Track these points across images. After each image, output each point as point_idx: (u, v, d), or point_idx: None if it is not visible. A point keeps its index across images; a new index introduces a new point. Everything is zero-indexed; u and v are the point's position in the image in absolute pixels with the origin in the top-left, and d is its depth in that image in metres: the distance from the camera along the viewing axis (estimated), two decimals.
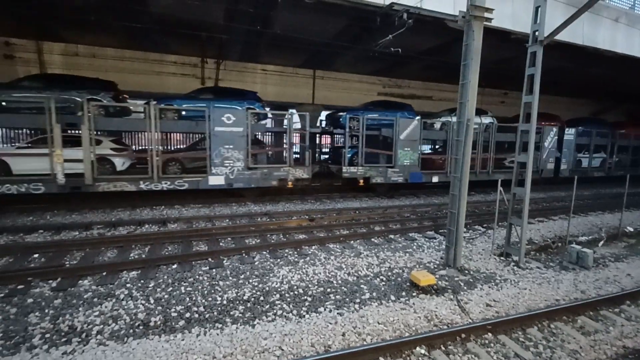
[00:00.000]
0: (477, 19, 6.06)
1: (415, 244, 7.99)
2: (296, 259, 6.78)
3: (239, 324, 4.49)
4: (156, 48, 13.89)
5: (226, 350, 3.87)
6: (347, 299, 5.24)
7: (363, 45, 11.80)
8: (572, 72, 16.05)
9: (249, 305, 4.99)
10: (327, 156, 18.66)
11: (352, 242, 7.96)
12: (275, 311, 4.84)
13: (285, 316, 4.72)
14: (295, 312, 4.84)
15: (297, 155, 13.59)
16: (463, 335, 4.31)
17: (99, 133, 9.99)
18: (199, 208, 10.75)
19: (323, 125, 16.44)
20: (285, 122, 12.27)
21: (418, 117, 13.34)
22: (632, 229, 9.77)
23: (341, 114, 13.83)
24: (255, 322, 4.53)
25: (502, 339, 4.36)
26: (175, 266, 6.28)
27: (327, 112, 15.45)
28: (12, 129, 13.51)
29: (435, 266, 6.66)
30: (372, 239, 8.23)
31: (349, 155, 12.39)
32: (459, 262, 6.59)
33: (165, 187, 9.94)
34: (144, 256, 6.74)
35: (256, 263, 6.54)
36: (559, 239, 8.46)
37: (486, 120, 14.90)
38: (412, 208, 11.60)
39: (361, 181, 12.39)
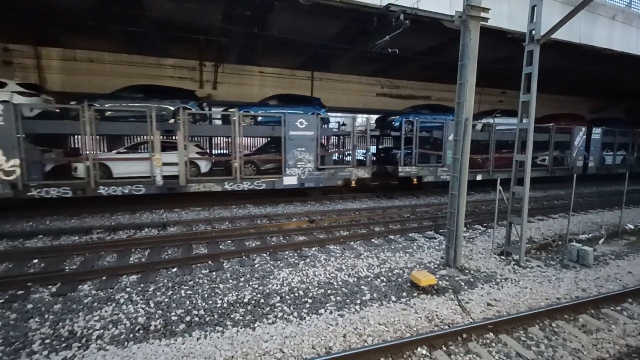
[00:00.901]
0: (473, 18, 6.08)
1: (415, 244, 7.98)
2: (296, 261, 6.77)
3: (239, 326, 4.48)
4: (154, 52, 13.92)
5: (227, 354, 3.86)
6: (348, 300, 5.23)
7: (360, 47, 11.84)
8: (570, 71, 16.10)
9: (249, 307, 4.97)
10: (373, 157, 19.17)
11: (352, 243, 7.95)
12: (275, 313, 4.83)
13: (286, 318, 4.71)
14: (295, 314, 4.82)
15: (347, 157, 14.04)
16: (464, 335, 4.30)
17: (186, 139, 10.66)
18: (198, 211, 10.74)
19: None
20: (348, 126, 13.12)
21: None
22: (632, 227, 9.77)
23: (393, 117, 14.48)
24: (255, 325, 4.51)
25: (503, 339, 4.35)
26: (175, 269, 6.26)
27: (377, 116, 15.90)
28: (114, 136, 14.26)
29: (436, 266, 6.65)
30: (372, 240, 8.22)
31: (402, 154, 13.27)
32: (459, 261, 6.58)
33: (246, 187, 10.81)
34: (143, 260, 6.72)
35: (256, 265, 6.52)
36: (559, 237, 8.45)
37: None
38: (411, 208, 11.60)
39: (415, 180, 13.10)
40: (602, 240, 8.64)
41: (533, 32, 6.47)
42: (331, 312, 4.86)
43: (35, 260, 6.61)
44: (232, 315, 4.75)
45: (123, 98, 10.58)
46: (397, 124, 13.64)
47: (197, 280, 5.82)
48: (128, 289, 5.45)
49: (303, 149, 11.19)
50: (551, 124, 15.77)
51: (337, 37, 12.09)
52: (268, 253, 7.18)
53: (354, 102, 17.66)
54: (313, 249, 7.53)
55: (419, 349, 4.05)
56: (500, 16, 10.28)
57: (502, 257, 7.21)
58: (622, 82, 18.72)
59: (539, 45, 6.40)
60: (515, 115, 16.24)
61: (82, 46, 13.31)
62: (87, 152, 9.37)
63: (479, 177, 13.87)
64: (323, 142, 12.70)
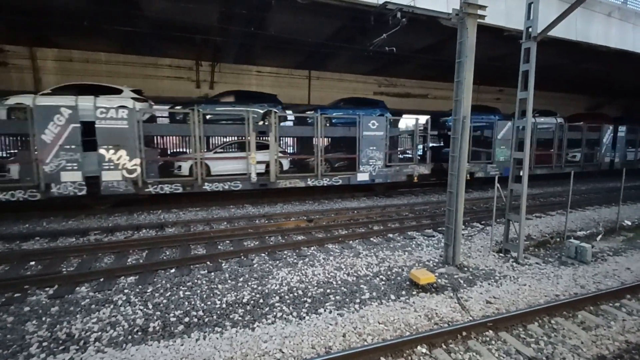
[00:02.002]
0: (470, 16, 6.07)
1: (414, 242, 7.98)
2: (295, 261, 6.75)
3: (238, 327, 4.46)
4: (150, 52, 13.85)
5: (226, 355, 3.84)
6: (347, 300, 5.22)
7: (358, 45, 11.82)
8: (567, 68, 16.14)
9: (248, 308, 4.95)
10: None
11: (351, 242, 7.94)
12: (275, 313, 4.81)
13: (285, 318, 4.69)
14: (295, 314, 4.81)
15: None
16: (464, 333, 4.30)
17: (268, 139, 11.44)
18: (196, 211, 10.70)
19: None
20: (410, 126, 14.43)
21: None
22: (629, 223, 9.80)
23: (446, 118, 15.21)
24: (255, 325, 4.49)
25: (503, 336, 4.35)
26: (173, 270, 6.23)
27: (428, 117, 16.40)
28: (213, 137, 14.92)
29: (435, 264, 6.65)
30: (371, 239, 8.22)
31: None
32: (458, 259, 6.58)
33: (325, 183, 11.82)
34: (141, 261, 6.69)
35: (255, 265, 6.50)
36: (557, 234, 8.48)
37: (558, 120, 17.64)
38: (410, 207, 11.60)
39: (468, 176, 13.54)
40: (599, 236, 8.67)
41: (530, 29, 6.48)
42: (330, 312, 4.85)
43: (32, 263, 6.57)
44: (231, 316, 4.73)
45: (219, 103, 11.73)
46: (450, 123, 14.25)
47: (196, 281, 5.79)
48: (126, 291, 5.42)
49: (374, 147, 12.21)
50: (581, 123, 17.21)
51: (335, 36, 12.07)
52: (267, 253, 7.16)
53: None
54: (312, 248, 7.52)
55: (418, 347, 4.04)
56: (497, 14, 10.28)
57: (501, 254, 7.22)
58: (619, 80, 18.80)
59: (536, 43, 6.40)
60: (548, 115, 17.78)
61: (78, 47, 13.23)
62: (195, 152, 10.27)
63: (521, 173, 14.67)
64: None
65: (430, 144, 14.56)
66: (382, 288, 5.60)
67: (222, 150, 11.54)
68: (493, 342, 4.25)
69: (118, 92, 10.29)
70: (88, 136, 9.12)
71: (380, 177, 12.51)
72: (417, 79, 19.34)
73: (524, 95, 6.63)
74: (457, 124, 6.35)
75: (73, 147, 9.01)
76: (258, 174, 10.86)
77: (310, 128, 11.84)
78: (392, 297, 5.30)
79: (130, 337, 4.24)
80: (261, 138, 11.36)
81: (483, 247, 7.56)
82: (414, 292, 5.45)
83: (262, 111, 11.59)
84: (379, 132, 12.24)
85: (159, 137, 15.44)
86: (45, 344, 4.08)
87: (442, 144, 17.45)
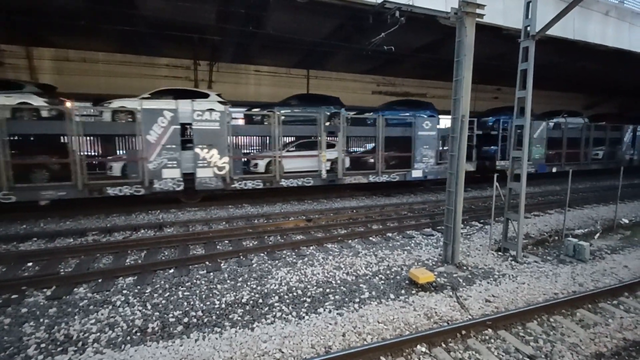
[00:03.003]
0: (468, 15, 6.07)
1: (413, 241, 7.99)
2: (294, 260, 6.74)
3: (238, 327, 4.45)
4: (148, 51, 13.78)
5: (225, 355, 3.83)
6: (347, 299, 5.21)
7: (356, 44, 11.80)
8: (565, 67, 16.19)
9: (247, 308, 4.94)
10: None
11: (350, 241, 7.94)
12: (274, 313, 4.80)
13: (285, 318, 4.68)
14: (294, 313, 4.80)
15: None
16: (463, 332, 4.30)
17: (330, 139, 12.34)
18: (195, 211, 10.67)
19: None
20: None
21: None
22: (627, 221, 9.85)
23: (487, 119, 16.31)
24: (254, 325, 4.48)
25: (502, 334, 4.36)
26: (172, 271, 6.21)
27: (475, 118, 16.86)
28: (286, 136, 15.04)
29: (434, 263, 6.66)
30: (370, 238, 8.22)
31: (492, 152, 15.45)
32: (457, 258, 6.59)
33: (384, 179, 12.74)
34: (140, 261, 6.66)
35: (254, 265, 6.49)
36: (556, 233, 8.50)
37: (584, 120, 18.69)
38: (409, 206, 11.61)
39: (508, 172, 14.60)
40: (597, 235, 8.71)
41: (528, 28, 6.49)
42: (330, 311, 4.84)
43: (30, 264, 6.53)
44: (230, 316, 4.72)
45: (290, 105, 12.64)
46: (490, 123, 15.98)
47: (195, 281, 5.77)
48: (124, 291, 5.40)
49: (427, 146, 13.14)
50: (603, 123, 18.30)
51: (333, 35, 12.05)
52: (266, 253, 7.15)
53: (350, 100, 17.56)
54: (311, 248, 7.51)
55: (418, 346, 4.05)
56: (496, 12, 10.29)
57: (500, 253, 7.23)
58: (615, 78, 18.88)
59: (534, 42, 6.41)
60: (575, 116, 18.63)
61: (74, 46, 13.15)
62: (274, 151, 11.20)
63: (554, 169, 16.48)
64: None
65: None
66: (382, 287, 5.60)
67: (293, 149, 12.23)
68: (492, 340, 4.25)
69: (205, 96, 11.28)
70: (185, 136, 10.12)
71: (432, 173, 13.41)
72: (415, 78, 19.34)
73: (523, 94, 6.63)
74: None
75: (173, 146, 9.83)
76: (314, 172, 11.79)
77: (372, 128, 12.70)
78: (392, 296, 5.30)
79: (129, 338, 4.22)
80: (335, 138, 12.19)
81: (482, 246, 7.58)
82: (414, 291, 5.46)
83: (328, 113, 12.41)
84: (432, 132, 13.16)
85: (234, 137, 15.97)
86: (43, 345, 4.05)
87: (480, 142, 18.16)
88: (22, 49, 12.77)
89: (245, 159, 12.12)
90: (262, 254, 7.07)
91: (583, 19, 12.36)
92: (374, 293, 5.40)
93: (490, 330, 4.42)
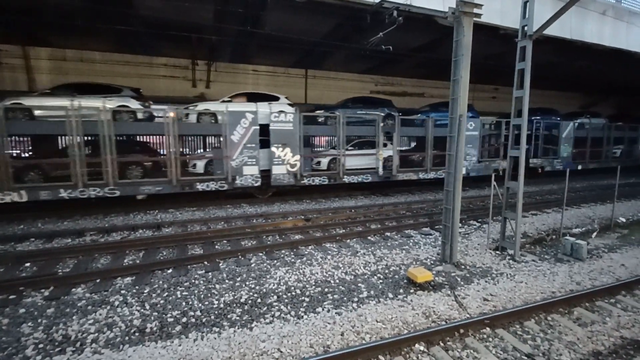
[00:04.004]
0: (466, 15, 6.08)
1: (411, 240, 8.00)
2: (293, 260, 6.75)
3: (236, 327, 4.45)
4: (145, 51, 13.74)
5: (224, 354, 3.83)
6: (345, 298, 5.22)
7: (354, 44, 11.80)
8: (562, 66, 16.25)
9: (246, 307, 4.94)
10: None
11: (348, 241, 7.95)
12: (273, 313, 4.81)
13: (283, 317, 4.69)
14: (293, 313, 4.81)
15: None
16: (461, 331, 4.32)
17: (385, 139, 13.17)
18: (193, 211, 10.65)
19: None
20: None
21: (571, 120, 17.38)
22: (624, 220, 9.90)
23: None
24: (253, 325, 4.49)
25: (500, 333, 4.38)
26: (170, 271, 6.21)
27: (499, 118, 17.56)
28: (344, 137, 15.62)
29: (432, 262, 6.68)
30: (369, 237, 8.23)
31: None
32: (455, 257, 6.61)
33: (432, 176, 13.62)
34: (138, 262, 6.65)
35: (252, 265, 6.49)
36: (553, 232, 8.53)
37: (602, 120, 19.60)
38: (407, 205, 11.63)
39: (540, 169, 16.27)
40: (595, 233, 8.75)
41: (525, 28, 6.50)
42: (329, 311, 4.85)
43: (27, 264, 6.51)
44: (229, 316, 4.72)
45: (349, 107, 13.43)
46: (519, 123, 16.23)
47: (193, 281, 5.77)
48: (123, 291, 5.39)
49: (470, 145, 13.87)
50: (619, 123, 19.45)
51: (331, 35, 12.04)
52: (264, 252, 7.15)
53: None
54: (309, 247, 7.52)
55: (416, 345, 4.06)
56: (493, 12, 10.30)
57: (498, 252, 7.26)
58: (612, 78, 18.95)
59: (531, 41, 6.43)
60: (596, 117, 19.34)
61: (71, 46, 13.09)
62: (339, 149, 12.07)
63: (579, 167, 17.62)
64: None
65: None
66: (380, 286, 5.62)
67: (351, 148, 12.97)
68: (490, 339, 4.27)
69: (276, 99, 12.14)
70: (262, 136, 10.88)
71: (475, 171, 14.27)
72: (413, 78, 19.36)
73: (520, 93, 6.66)
74: (454, 122, 6.37)
75: (253, 145, 10.71)
76: (372, 169, 12.66)
77: (422, 129, 13.80)
78: (390, 295, 5.31)
79: (127, 338, 4.22)
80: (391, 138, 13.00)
81: (480, 245, 7.60)
82: (412, 290, 5.47)
83: (382, 114, 13.12)
84: (475, 132, 13.99)
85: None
86: (41, 345, 4.05)
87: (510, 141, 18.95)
88: (19, 49, 12.70)
89: (312, 157, 12.96)
90: (260, 254, 7.07)
91: (580, 19, 12.40)
92: (372, 292, 5.41)
93: (488, 329, 4.44)
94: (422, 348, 4.03)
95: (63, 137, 11.12)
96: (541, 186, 16.10)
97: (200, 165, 11.10)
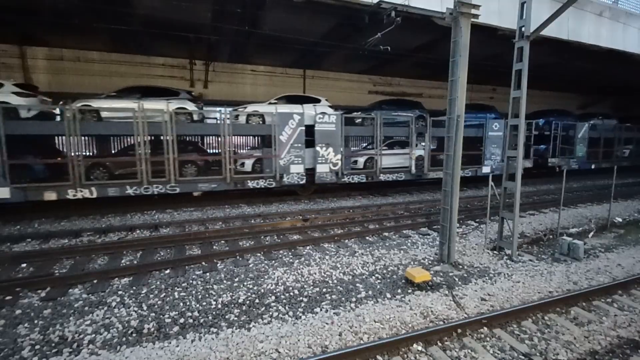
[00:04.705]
0: (464, 15, 6.09)
1: (409, 240, 8.02)
2: (291, 260, 6.74)
3: (234, 327, 4.44)
4: (143, 50, 13.69)
5: (222, 355, 3.82)
6: (343, 299, 5.22)
7: (352, 44, 11.82)
8: (559, 67, 16.33)
9: (244, 308, 4.93)
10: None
11: (346, 241, 7.95)
12: (271, 313, 4.80)
13: (282, 318, 4.68)
14: (291, 313, 4.80)
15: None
16: (459, 331, 4.33)
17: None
18: (191, 212, 10.63)
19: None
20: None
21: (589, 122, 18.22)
22: (620, 220, 9.96)
23: (538, 120, 17.24)
24: (251, 325, 4.48)
25: (497, 333, 4.39)
26: (168, 271, 6.19)
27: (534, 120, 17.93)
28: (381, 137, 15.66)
29: (430, 262, 6.69)
30: (367, 238, 8.23)
31: (542, 150, 17.25)
32: (453, 257, 6.63)
33: (460, 174, 13.11)
34: (135, 262, 6.63)
35: (251, 265, 6.48)
36: (550, 232, 8.57)
37: (613, 121, 20.47)
38: (405, 205, 11.65)
39: (557, 168, 16.91)
40: (592, 233, 8.79)
41: (523, 28, 6.52)
42: (327, 311, 4.85)
43: (24, 265, 6.47)
44: (226, 316, 4.71)
45: (384, 109, 13.89)
46: (541, 124, 17.36)
47: (191, 281, 5.75)
48: (120, 292, 5.37)
49: (495, 145, 14.56)
50: (628, 124, 20.04)
51: (329, 35, 12.05)
52: (262, 253, 7.14)
53: (346, 99, 17.61)
54: (307, 247, 7.51)
55: (414, 345, 4.06)
56: (491, 13, 10.36)
57: (495, 252, 7.28)
58: (609, 78, 19.05)
59: (528, 42, 6.45)
60: (608, 118, 20.11)
61: (69, 45, 13.03)
62: (376, 149, 12.63)
63: (592, 166, 18.36)
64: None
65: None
66: (378, 287, 5.62)
67: (385, 147, 13.37)
68: (488, 338, 4.28)
69: (317, 101, 12.78)
70: (306, 136, 11.33)
71: (499, 169, 14.43)
72: (411, 78, 19.39)
73: (517, 94, 6.68)
74: (452, 122, 6.39)
75: (299, 145, 11.18)
76: (405, 168, 13.19)
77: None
78: (388, 295, 5.31)
79: (124, 339, 4.20)
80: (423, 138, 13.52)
81: (477, 245, 7.62)
82: (410, 290, 5.48)
83: (413, 116, 13.55)
84: (499, 132, 14.53)
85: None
86: (37, 347, 4.02)
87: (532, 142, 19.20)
88: (15, 48, 12.64)
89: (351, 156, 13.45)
90: (258, 254, 7.06)
91: (577, 20, 12.46)
92: (370, 292, 5.41)
93: (485, 328, 4.45)
94: (420, 348, 4.04)
95: (127, 137, 12.39)
96: (538, 186, 16.18)
97: (248, 164, 11.55)
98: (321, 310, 4.88)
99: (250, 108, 11.69)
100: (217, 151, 15.37)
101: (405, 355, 3.93)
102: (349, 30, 11.36)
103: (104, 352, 3.93)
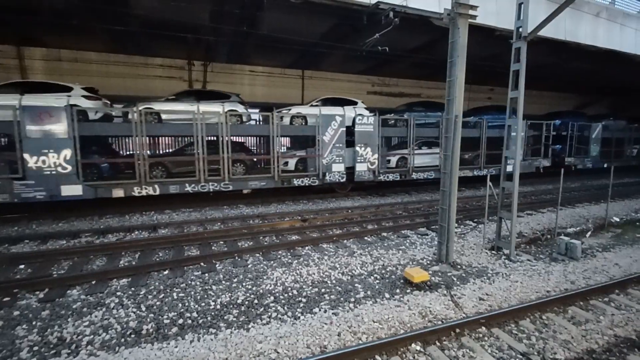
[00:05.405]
0: (461, 16, 6.12)
1: (408, 241, 8.03)
2: (290, 260, 6.75)
3: (233, 328, 4.44)
4: (141, 51, 13.67)
5: (221, 356, 3.83)
6: (342, 299, 5.23)
7: (351, 45, 11.84)
8: (557, 67, 16.38)
9: (243, 308, 4.94)
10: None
11: (345, 241, 7.96)
12: (269, 314, 4.80)
13: (280, 318, 4.69)
14: (290, 313, 4.81)
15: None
16: (457, 330, 4.34)
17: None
18: (190, 212, 10.62)
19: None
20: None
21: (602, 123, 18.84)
22: (617, 219, 10.00)
23: (554, 121, 17.61)
24: (249, 326, 4.48)
25: (495, 332, 4.41)
26: (166, 272, 6.18)
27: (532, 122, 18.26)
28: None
29: (428, 262, 6.70)
30: (365, 238, 8.24)
31: (558, 149, 17.68)
32: (451, 257, 6.64)
33: (484, 173, 14.28)
34: (134, 263, 6.62)
35: (249, 266, 6.48)
36: (548, 231, 8.60)
37: (623, 122, 20.84)
38: (403, 205, 11.67)
39: (573, 167, 17.63)
40: (589, 233, 8.83)
41: (520, 29, 6.56)
42: (325, 311, 4.86)
43: (22, 266, 6.45)
44: (225, 317, 4.71)
45: (415, 111, 14.55)
46: (558, 125, 17.72)
47: (190, 282, 5.75)
48: (118, 293, 5.36)
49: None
50: (637, 124, 20.47)
51: (328, 36, 12.06)
52: (261, 253, 7.14)
53: None
54: (306, 248, 7.52)
55: (413, 345, 4.08)
56: (488, 14, 10.38)
57: (493, 251, 7.30)
58: (606, 78, 19.13)
59: (526, 43, 6.49)
60: (618, 119, 20.41)
61: (66, 46, 13.00)
62: (409, 149, 13.31)
63: (605, 165, 18.78)
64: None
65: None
66: (377, 287, 5.63)
67: (416, 147, 13.80)
68: (486, 338, 4.30)
69: (354, 103, 13.35)
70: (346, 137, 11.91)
71: (520, 168, 14.47)
72: (410, 79, 19.42)
73: (515, 94, 6.72)
74: (450, 123, 6.41)
75: (340, 145, 11.77)
76: (434, 167, 13.64)
77: (476, 130, 14.82)
78: (387, 295, 5.33)
79: (123, 340, 4.20)
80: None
81: (476, 245, 7.64)
82: (408, 290, 5.49)
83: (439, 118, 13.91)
84: (521, 132, 13.92)
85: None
86: (36, 348, 4.02)
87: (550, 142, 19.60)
88: (13, 49, 12.60)
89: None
90: (257, 255, 7.07)
91: (574, 20, 12.51)
92: (369, 292, 5.43)
93: (484, 328, 4.46)
94: (418, 348, 4.05)
95: (182, 138, 13.35)
96: (537, 186, 16.23)
97: (291, 163, 12.05)
98: (320, 310, 4.89)
99: (294, 110, 12.32)
100: (255, 150, 16.18)
101: (404, 355, 3.94)
102: (347, 30, 11.38)
103: (103, 353, 3.92)
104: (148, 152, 10.86)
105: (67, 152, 8.66)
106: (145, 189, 9.52)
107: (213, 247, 7.56)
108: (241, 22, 10.57)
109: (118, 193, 9.25)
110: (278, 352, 3.91)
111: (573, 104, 25.33)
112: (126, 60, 14.06)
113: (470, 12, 6.16)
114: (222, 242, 7.84)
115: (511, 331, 4.47)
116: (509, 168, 14.78)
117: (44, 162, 8.50)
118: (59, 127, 8.58)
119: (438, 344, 4.15)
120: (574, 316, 4.86)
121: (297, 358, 3.82)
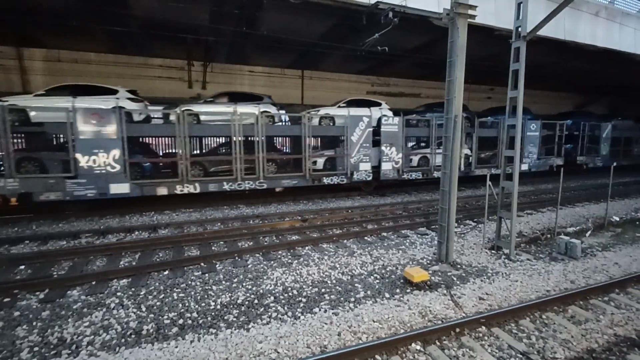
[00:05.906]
0: (461, 16, 6.12)
1: (407, 240, 8.04)
2: (290, 260, 6.75)
3: (233, 328, 4.45)
4: (141, 52, 13.68)
5: (221, 356, 3.83)
6: (342, 299, 5.24)
7: (350, 45, 11.85)
8: (556, 67, 16.40)
9: (243, 308, 4.94)
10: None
11: (345, 241, 7.97)
12: (270, 314, 4.81)
13: (280, 318, 4.69)
14: (290, 313, 4.81)
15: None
16: (457, 330, 4.35)
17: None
18: (190, 213, 10.63)
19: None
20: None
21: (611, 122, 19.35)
22: (617, 218, 10.00)
23: (566, 121, 18.09)
24: (249, 326, 4.49)
25: (495, 332, 4.41)
26: (166, 272, 6.19)
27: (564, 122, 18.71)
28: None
29: (428, 262, 6.71)
30: (365, 238, 8.25)
31: (569, 148, 18.09)
32: (451, 257, 6.65)
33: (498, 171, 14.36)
34: (134, 263, 6.62)
35: (249, 266, 6.49)
36: (548, 231, 8.61)
37: (630, 122, 21.27)
38: (403, 205, 11.67)
39: (585, 166, 18.27)
40: (589, 232, 8.83)
41: (519, 29, 6.56)
42: (325, 311, 4.86)
43: (22, 267, 6.45)
44: (225, 317, 4.72)
45: (435, 111, 14.52)
46: (569, 125, 18.23)
47: (190, 282, 5.76)
48: (119, 294, 5.37)
49: (532, 144, 15.62)
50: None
51: (327, 36, 12.07)
52: (261, 253, 7.14)
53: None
54: (306, 248, 7.52)
55: (413, 344, 4.08)
56: (488, 13, 10.39)
57: (493, 251, 7.31)
58: (605, 78, 19.15)
59: (525, 42, 6.49)
60: (625, 118, 20.62)
61: (66, 46, 13.01)
62: (430, 148, 13.68)
63: (614, 164, 19.62)
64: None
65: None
66: (377, 286, 5.64)
67: (436, 146, 13.96)
68: (486, 337, 4.30)
69: (378, 104, 13.68)
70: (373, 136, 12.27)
71: (535, 167, 15.82)
72: (409, 78, 19.43)
73: (514, 94, 6.72)
74: (449, 122, 6.41)
75: (367, 145, 12.17)
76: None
77: (494, 130, 15.33)
78: (387, 295, 5.33)
79: (123, 340, 4.20)
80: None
81: (476, 245, 7.65)
82: (408, 290, 5.50)
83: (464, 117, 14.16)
84: (536, 132, 15.59)
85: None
86: (36, 349, 4.02)
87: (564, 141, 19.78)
88: (12, 50, 12.61)
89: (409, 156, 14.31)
90: (257, 255, 7.07)
91: (573, 20, 12.52)
92: (369, 292, 5.43)
93: (483, 327, 4.47)
94: (418, 347, 4.06)
95: (217, 138, 14.09)
96: (536, 185, 16.23)
97: (320, 162, 12.48)
98: (320, 310, 4.89)
99: (323, 111, 12.61)
100: (284, 149, 16.65)
101: (404, 355, 3.95)
102: (346, 31, 11.39)
103: (103, 354, 3.93)
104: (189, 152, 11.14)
105: (116, 152, 9.08)
106: (187, 187, 9.99)
107: (213, 248, 7.56)
108: (240, 23, 10.58)
109: (162, 191, 9.69)
110: (278, 352, 3.91)
111: (572, 104, 25.34)
112: (126, 61, 14.06)
113: (470, 11, 6.16)
114: (222, 243, 7.84)
115: (511, 330, 4.48)
116: (524, 167, 15.25)
117: (94, 161, 8.94)
118: (109, 128, 9.00)
119: (438, 343, 4.16)
120: (574, 315, 4.86)
121: (297, 358, 3.83)
